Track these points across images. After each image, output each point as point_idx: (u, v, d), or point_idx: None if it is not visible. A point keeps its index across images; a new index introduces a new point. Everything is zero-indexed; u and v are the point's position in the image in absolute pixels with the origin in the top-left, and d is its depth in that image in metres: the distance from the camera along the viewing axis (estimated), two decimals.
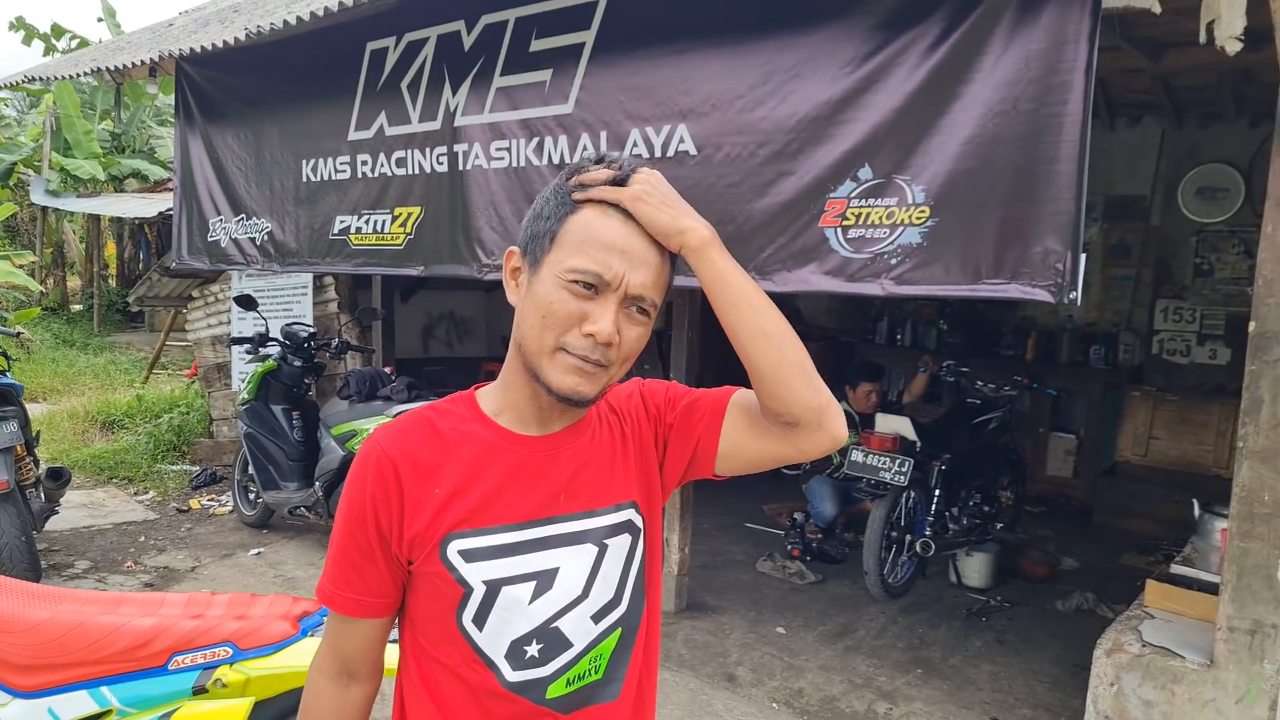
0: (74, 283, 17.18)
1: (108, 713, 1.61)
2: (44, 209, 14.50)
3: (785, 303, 8.82)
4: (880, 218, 2.60)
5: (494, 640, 1.11)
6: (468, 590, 1.09)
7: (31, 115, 16.52)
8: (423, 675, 1.17)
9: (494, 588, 1.09)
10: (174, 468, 6.81)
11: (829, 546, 5.28)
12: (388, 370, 5.36)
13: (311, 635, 1.80)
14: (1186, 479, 5.99)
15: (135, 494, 6.32)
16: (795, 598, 4.77)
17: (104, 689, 1.62)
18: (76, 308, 15.68)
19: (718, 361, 8.71)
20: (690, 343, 4.31)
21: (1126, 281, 6.81)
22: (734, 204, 2.89)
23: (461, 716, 1.14)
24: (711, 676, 3.85)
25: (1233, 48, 2.06)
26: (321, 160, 4.34)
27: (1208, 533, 3.70)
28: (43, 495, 4.54)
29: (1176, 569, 3.63)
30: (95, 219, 15.41)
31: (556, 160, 3.31)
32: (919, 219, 2.53)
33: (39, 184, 12.92)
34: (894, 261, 2.60)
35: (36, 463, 4.63)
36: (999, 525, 5.19)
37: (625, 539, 1.18)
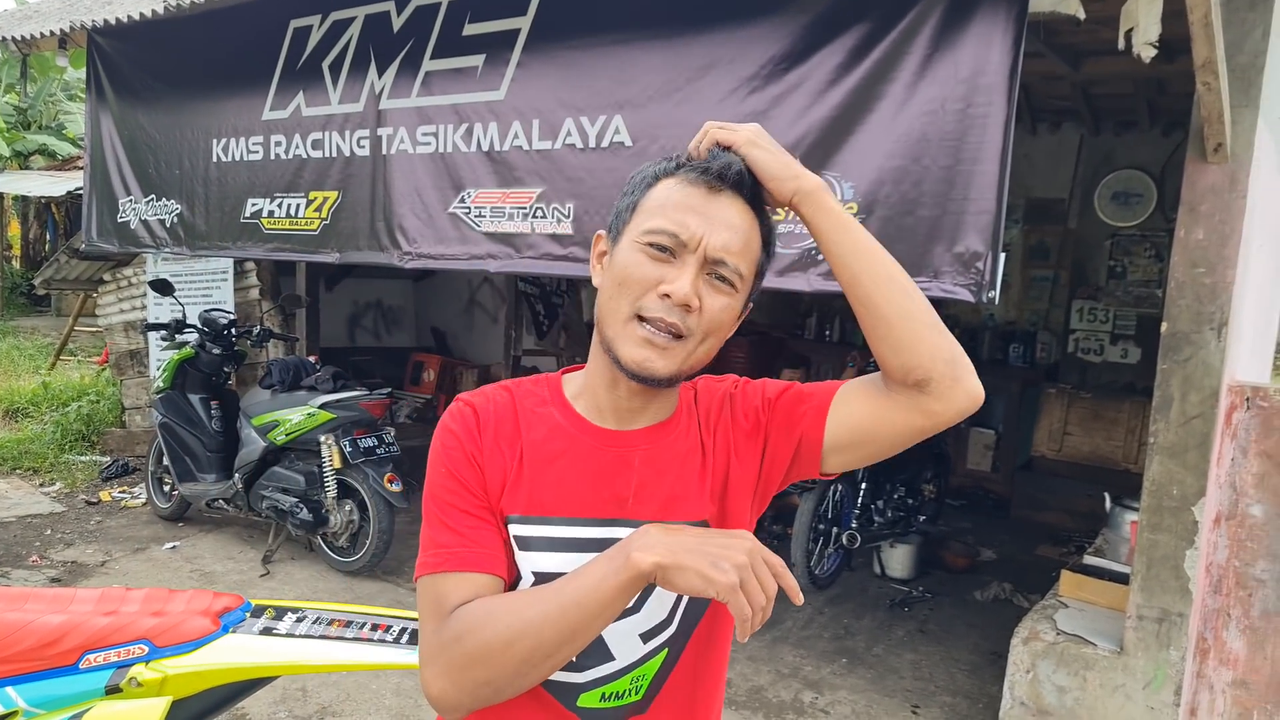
0: None
1: (13, 714, 1.53)
2: None
3: None
4: None
5: None
6: (518, 577, 1.04)
7: None
8: None
9: (542, 580, 1.02)
10: (83, 458, 6.52)
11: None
12: (312, 359, 5.21)
13: (234, 631, 1.74)
14: (1099, 473, 6.24)
15: (41, 485, 6.02)
16: None
17: (9, 689, 1.54)
18: None
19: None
20: None
21: (1045, 282, 7.03)
22: None
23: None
24: None
25: (1148, 54, 2.13)
26: (234, 140, 4.19)
27: (1118, 525, 3.84)
28: None
29: (1089, 560, 3.77)
30: None
31: (486, 147, 3.25)
32: None
33: None
34: (820, 258, 2.62)
35: None
36: (922, 518, 5.32)
37: None
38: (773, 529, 5.52)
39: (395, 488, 4.47)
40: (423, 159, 3.44)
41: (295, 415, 4.60)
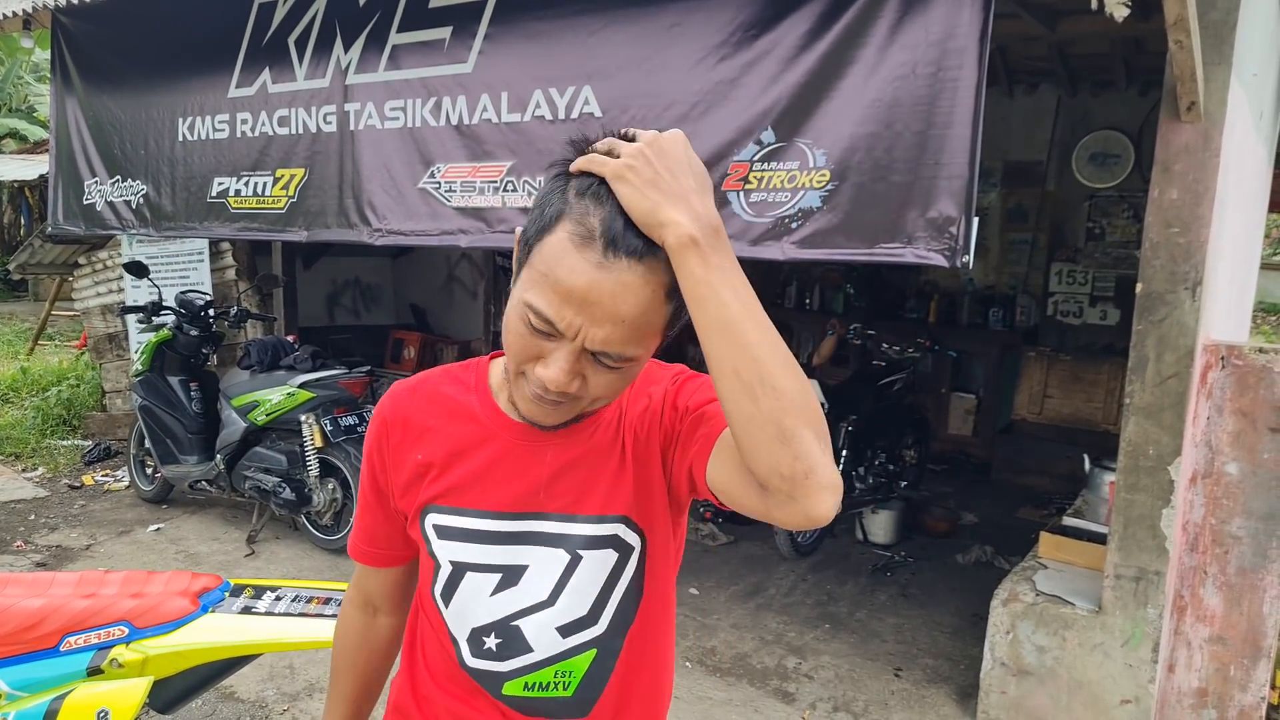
0: None
1: None
2: None
3: None
4: (782, 181, 2.61)
5: (457, 620, 1.09)
6: (437, 564, 1.09)
7: None
8: (420, 623, 1.19)
9: (460, 569, 1.06)
10: (65, 442, 6.48)
11: None
12: (290, 339, 5.18)
13: (213, 611, 1.74)
14: (1078, 435, 6.30)
15: (23, 470, 5.99)
16: (707, 559, 4.85)
17: None
18: None
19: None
20: None
21: (1023, 245, 7.05)
22: None
23: (436, 677, 1.15)
24: None
25: (1120, 13, 2.12)
26: (199, 119, 4.13)
27: (1097, 486, 3.88)
28: None
29: (1068, 521, 3.81)
30: None
31: (455, 121, 3.21)
32: (819, 182, 2.56)
33: None
34: (794, 225, 2.62)
35: None
36: (903, 484, 5.36)
37: (608, 555, 1.07)
38: None
39: None
40: (391, 134, 3.40)
41: (275, 395, 4.57)
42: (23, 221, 15.86)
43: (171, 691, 1.72)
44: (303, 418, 4.49)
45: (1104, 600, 3.10)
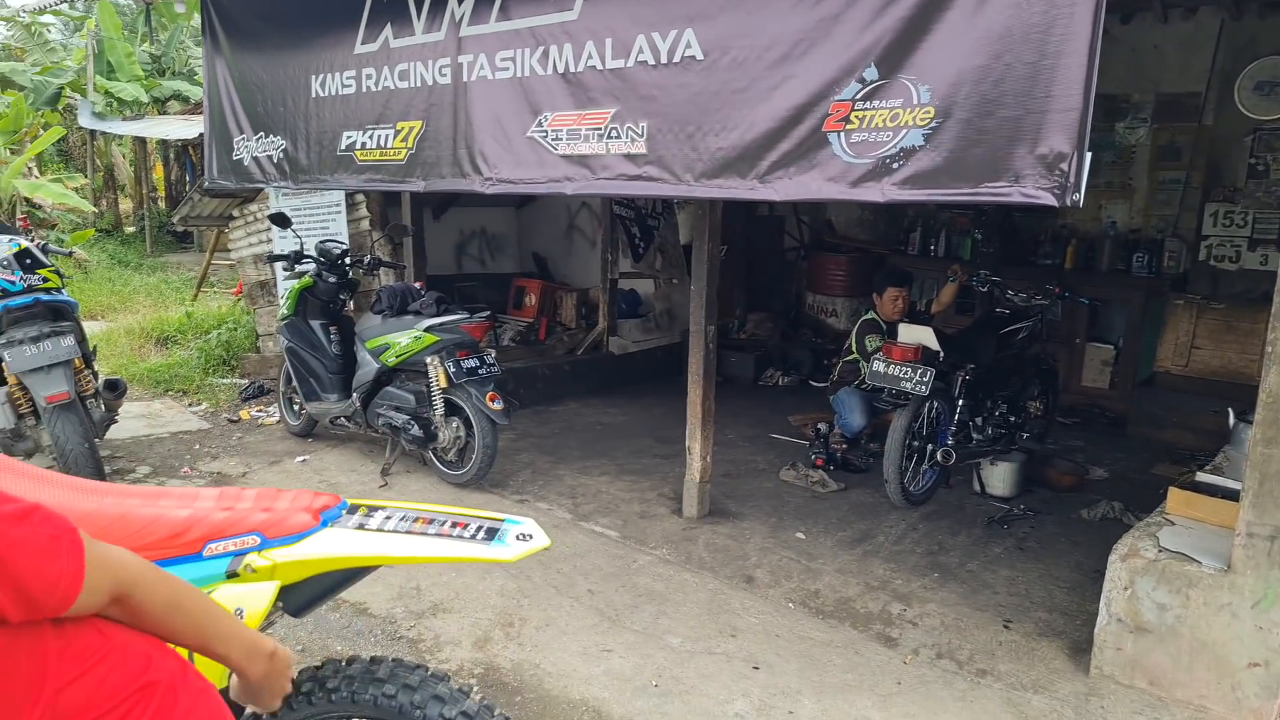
0: (126, 205, 17.55)
1: None
2: (92, 132, 14.75)
3: (817, 213, 8.70)
4: (884, 120, 2.55)
5: None
6: None
7: (75, 39, 16.65)
8: None
9: None
10: (224, 381, 7.08)
11: (853, 456, 5.32)
12: (418, 285, 5.45)
13: (331, 526, 1.90)
14: (1228, 389, 5.87)
15: (189, 405, 6.59)
16: (816, 505, 4.86)
17: None
18: (130, 229, 16.06)
19: (745, 275, 8.63)
20: (711, 255, 4.30)
21: (1174, 185, 6.56)
22: (739, 110, 2.85)
23: None
24: (730, 578, 3.97)
25: None
26: (330, 75, 4.35)
27: (1240, 441, 3.65)
28: (102, 405, 4.78)
29: (1202, 477, 3.61)
30: (142, 142, 15.63)
31: (561, 69, 3.27)
32: (923, 120, 2.48)
33: (85, 107, 13.11)
34: (895, 166, 2.56)
35: (95, 375, 4.86)
36: (1025, 435, 5.18)
37: None
38: (869, 446, 5.50)
39: (496, 406, 4.68)
40: (501, 85, 3.50)
41: (403, 338, 4.85)
42: (187, 178, 17.12)
43: (300, 598, 1.90)
44: (428, 359, 4.74)
45: (1234, 559, 2.94)
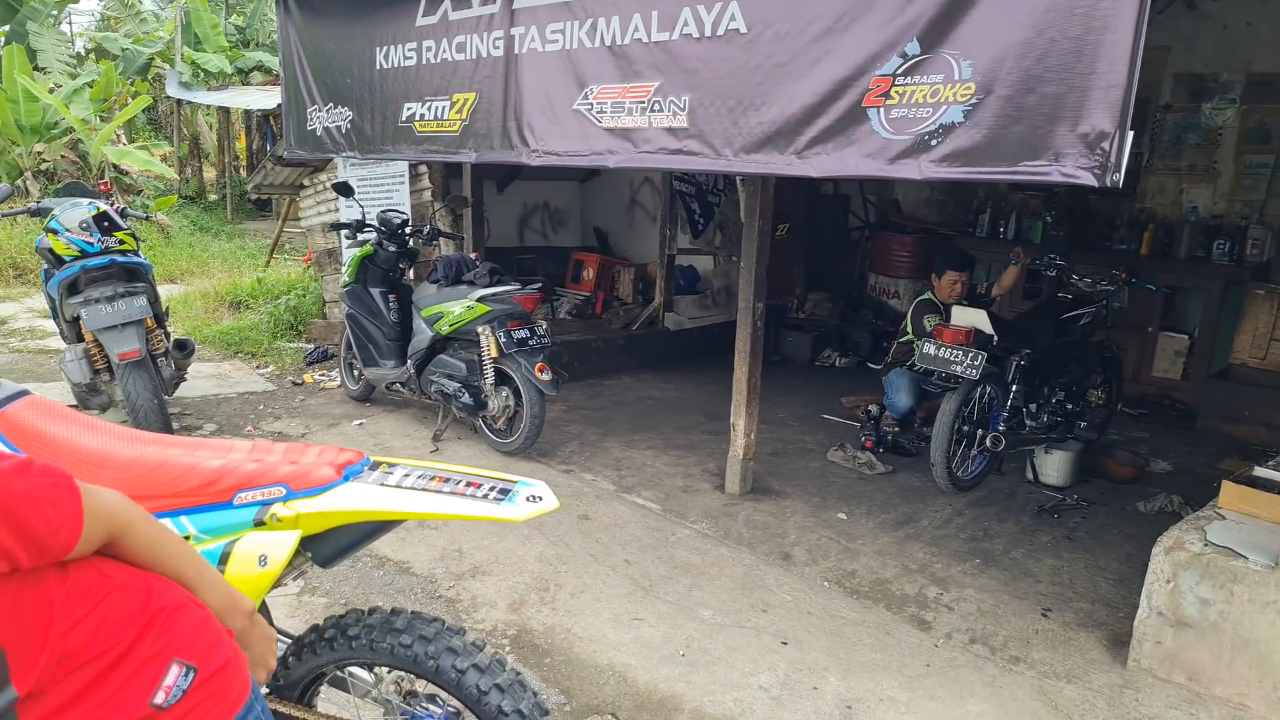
0: (210, 173, 18.19)
1: (186, 539, 1.86)
2: (179, 102, 15.30)
3: (884, 193, 8.53)
4: (924, 95, 2.50)
5: None
6: None
7: (167, 11, 17.25)
8: None
9: None
10: (291, 345, 7.33)
11: (903, 439, 5.25)
12: (473, 256, 5.55)
13: (353, 481, 1.98)
14: None
15: (257, 367, 6.85)
16: (861, 486, 4.82)
17: (183, 518, 1.87)
18: (213, 197, 16.65)
19: (807, 255, 8.53)
20: (761, 232, 4.27)
21: (1263, 169, 6.24)
22: (779, 85, 2.83)
23: None
24: (768, 555, 3.98)
25: None
26: (393, 47, 4.44)
27: None
28: (172, 364, 5.01)
29: (1260, 472, 3.48)
30: (226, 112, 16.16)
31: (608, 42, 3.28)
32: (963, 96, 2.43)
33: (173, 77, 13.60)
34: (934, 143, 2.52)
35: (167, 335, 5.09)
36: (1083, 424, 5.03)
37: None
38: (922, 430, 5.41)
39: (545, 376, 4.76)
40: (550, 57, 3.53)
41: (457, 308, 4.95)
42: (268, 148, 17.64)
43: (326, 550, 1.99)
44: (480, 329, 4.84)
45: None
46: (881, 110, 2.60)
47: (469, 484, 1.97)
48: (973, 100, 2.41)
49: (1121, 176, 2.18)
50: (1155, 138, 6.71)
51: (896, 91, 2.56)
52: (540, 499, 1.90)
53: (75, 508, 1.11)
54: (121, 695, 1.16)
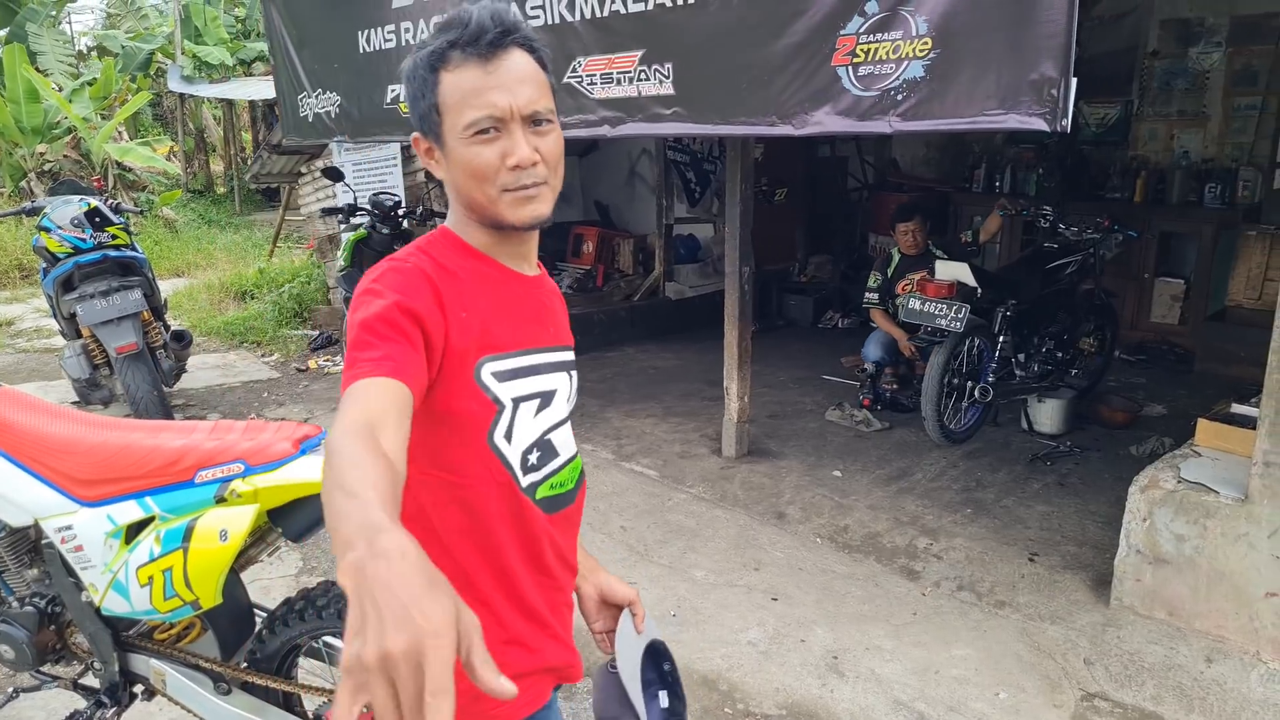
0: (218, 166, 18.31)
1: (151, 518, 1.94)
2: (182, 96, 15.39)
3: (882, 153, 8.51)
4: (887, 53, 2.55)
5: (515, 451, 1.25)
6: (500, 407, 1.21)
7: (168, 6, 17.28)
8: (438, 514, 1.22)
9: (516, 404, 1.23)
10: (296, 332, 7.45)
11: (901, 395, 5.30)
12: None
13: (309, 454, 2.03)
14: None
15: (262, 356, 6.98)
16: (858, 444, 4.89)
17: (148, 499, 1.94)
18: (221, 190, 16.78)
19: (807, 218, 8.47)
20: (745, 196, 4.32)
21: (1250, 111, 6.20)
22: (754, 46, 2.88)
23: (492, 523, 1.24)
24: (762, 514, 4.07)
25: None
26: (373, 30, 4.48)
27: None
28: (171, 356, 5.12)
29: (1237, 408, 3.53)
30: (230, 104, 16.24)
31: (589, 14, 3.33)
32: (922, 51, 2.47)
33: (174, 72, 13.65)
34: (900, 98, 2.56)
35: (165, 327, 5.20)
36: (1074, 372, 5.07)
37: (575, 374, 1.37)
38: (919, 385, 5.46)
39: None
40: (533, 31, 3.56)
41: None
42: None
43: (296, 525, 2.04)
44: None
45: (1251, 488, 2.90)
46: (849, 69, 2.65)
47: None
48: (931, 55, 2.45)
49: (1069, 121, 2.22)
50: (1144, 85, 6.67)
51: (862, 50, 2.61)
52: None
53: None
54: None
